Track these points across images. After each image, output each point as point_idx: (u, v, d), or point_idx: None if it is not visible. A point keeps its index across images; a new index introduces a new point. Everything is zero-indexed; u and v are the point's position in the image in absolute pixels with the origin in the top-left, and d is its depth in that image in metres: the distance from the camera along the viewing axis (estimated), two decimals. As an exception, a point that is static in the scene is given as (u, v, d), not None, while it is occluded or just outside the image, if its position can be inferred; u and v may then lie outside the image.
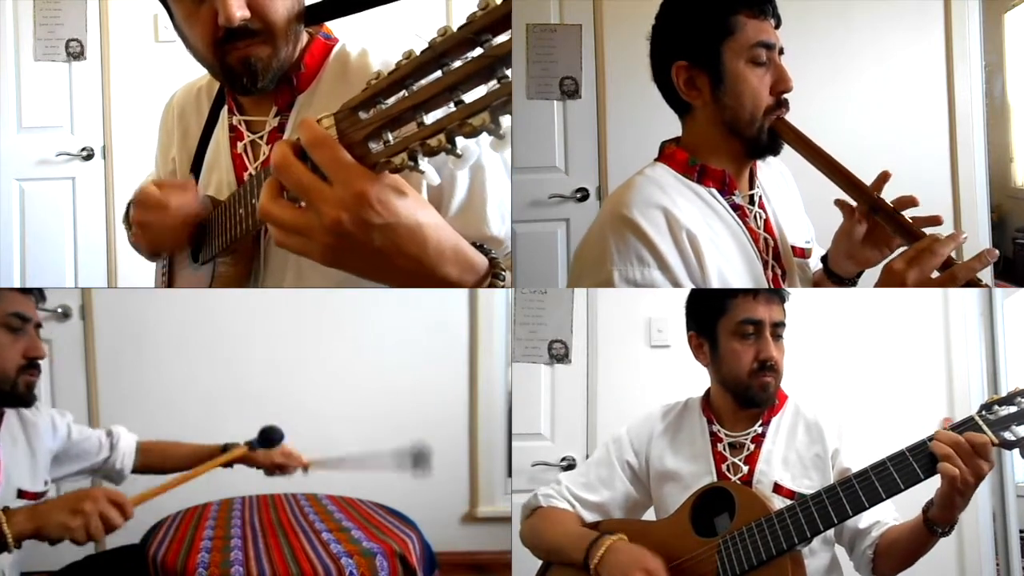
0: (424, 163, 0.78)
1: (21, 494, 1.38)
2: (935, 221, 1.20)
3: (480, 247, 0.96)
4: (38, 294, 1.41)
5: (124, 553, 1.55)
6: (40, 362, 1.37)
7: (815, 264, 1.42)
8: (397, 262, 0.86)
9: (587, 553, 1.27)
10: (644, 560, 1.23)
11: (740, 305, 1.33)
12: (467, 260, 0.92)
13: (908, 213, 1.22)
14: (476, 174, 1.14)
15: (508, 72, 0.72)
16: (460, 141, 0.74)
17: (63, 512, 1.17)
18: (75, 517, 1.16)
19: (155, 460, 1.67)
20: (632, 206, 1.18)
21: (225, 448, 1.66)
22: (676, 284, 1.16)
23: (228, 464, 1.65)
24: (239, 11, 1.08)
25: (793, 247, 1.34)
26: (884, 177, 1.24)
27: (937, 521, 1.16)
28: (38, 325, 1.38)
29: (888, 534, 1.27)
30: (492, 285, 0.96)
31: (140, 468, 1.66)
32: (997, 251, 1.17)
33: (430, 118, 0.76)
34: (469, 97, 0.74)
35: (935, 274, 1.12)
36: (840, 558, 1.37)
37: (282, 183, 0.85)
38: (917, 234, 1.17)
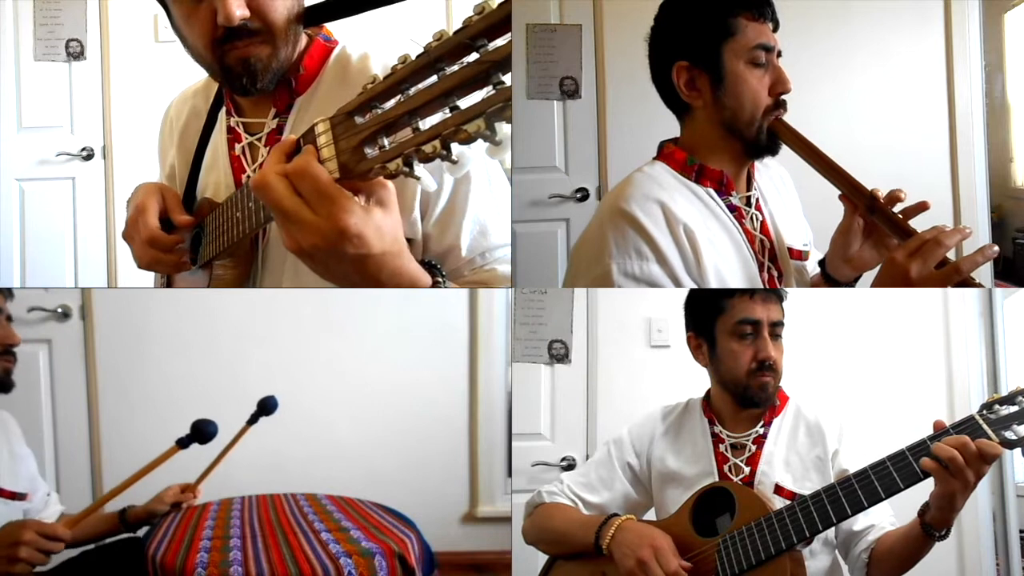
0: (420, 169, 0.78)
1: (0, 492, 1.41)
2: (922, 207, 1.20)
3: (431, 266, 1.02)
4: (6, 292, 1.46)
5: (122, 546, 1.56)
6: (15, 350, 1.41)
7: (812, 268, 1.42)
8: (352, 281, 0.91)
9: (598, 534, 1.28)
10: (653, 537, 1.24)
11: (738, 305, 1.34)
12: (416, 283, 0.98)
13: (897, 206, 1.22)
14: (459, 186, 1.16)
15: (504, 78, 0.71)
16: (456, 147, 0.74)
17: (1, 561, 1.18)
18: (13, 564, 1.17)
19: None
20: (631, 200, 1.19)
21: (122, 513, 1.61)
22: (674, 278, 1.16)
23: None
24: (239, 10, 1.08)
25: (790, 249, 1.34)
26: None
27: (934, 524, 1.15)
28: (9, 318, 1.43)
29: (884, 539, 1.27)
30: None
31: None
32: (997, 247, 1.17)
33: (425, 124, 0.76)
34: (465, 103, 0.74)
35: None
36: (841, 560, 1.37)
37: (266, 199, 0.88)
38: (913, 234, 1.17)
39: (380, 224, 0.87)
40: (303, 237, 0.85)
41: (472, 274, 1.19)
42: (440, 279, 1.03)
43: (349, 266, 0.88)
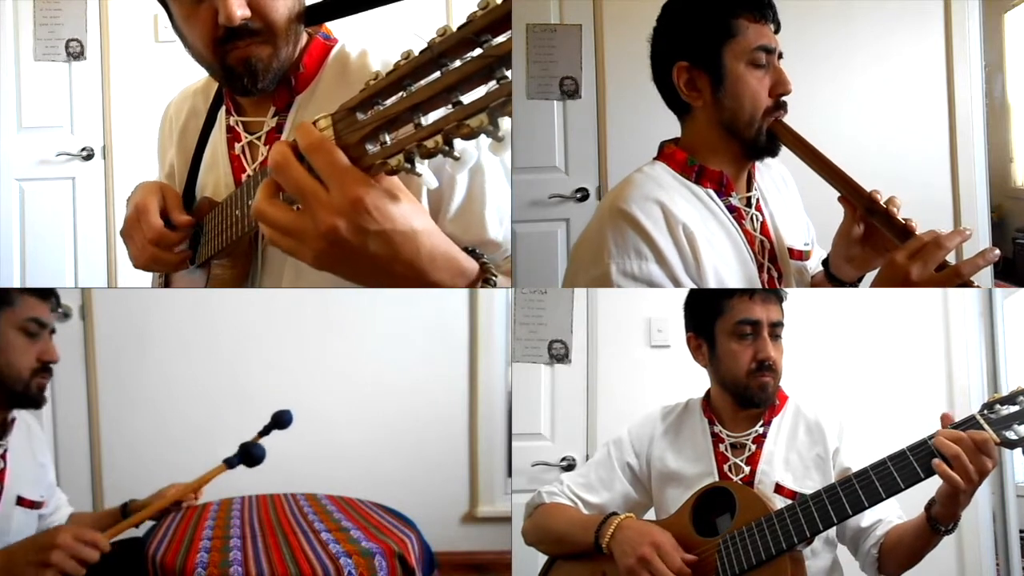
0: (421, 166, 0.77)
1: (20, 501, 1.40)
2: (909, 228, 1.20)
3: (472, 251, 0.97)
4: (55, 300, 1.42)
5: (124, 546, 1.56)
6: (52, 366, 1.38)
7: (815, 266, 1.42)
8: (390, 268, 0.86)
9: (598, 532, 1.28)
10: (653, 534, 1.24)
11: (737, 305, 1.34)
12: (458, 266, 0.93)
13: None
14: (475, 177, 1.13)
15: (507, 73, 0.71)
16: (458, 143, 0.74)
17: (32, 568, 1.13)
18: (44, 571, 1.12)
19: None
20: (630, 201, 1.19)
21: (126, 507, 1.57)
22: (673, 278, 1.17)
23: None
24: (239, 10, 1.08)
25: (791, 249, 1.34)
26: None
27: (940, 519, 1.16)
28: (52, 331, 1.39)
29: (892, 533, 1.28)
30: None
31: None
32: (998, 250, 1.17)
33: (428, 119, 0.76)
34: (468, 98, 0.73)
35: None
36: (842, 559, 1.37)
37: (279, 184, 0.85)
38: (913, 235, 1.17)
39: (401, 205, 0.84)
40: (321, 220, 0.81)
41: (505, 263, 1.15)
42: (487, 263, 0.97)
43: (378, 245, 0.83)
